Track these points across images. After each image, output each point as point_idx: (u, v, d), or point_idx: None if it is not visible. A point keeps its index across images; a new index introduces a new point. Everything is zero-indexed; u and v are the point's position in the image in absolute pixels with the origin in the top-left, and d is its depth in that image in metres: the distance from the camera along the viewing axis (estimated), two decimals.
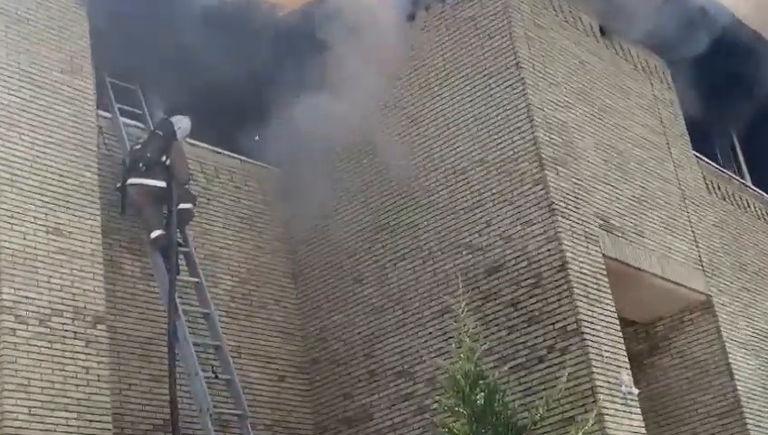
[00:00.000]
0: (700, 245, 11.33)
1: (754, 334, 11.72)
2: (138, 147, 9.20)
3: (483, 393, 6.79)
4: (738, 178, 14.39)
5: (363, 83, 10.01)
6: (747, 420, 10.21)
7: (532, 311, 8.83)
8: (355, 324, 10.05)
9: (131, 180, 8.96)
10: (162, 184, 8.95)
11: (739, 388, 10.44)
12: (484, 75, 9.86)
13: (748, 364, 10.89)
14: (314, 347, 10.34)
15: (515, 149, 9.40)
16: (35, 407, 7.08)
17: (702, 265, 11.11)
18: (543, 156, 9.26)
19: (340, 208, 10.56)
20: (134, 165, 9.00)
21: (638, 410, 8.81)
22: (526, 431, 6.86)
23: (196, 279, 9.10)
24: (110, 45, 9.24)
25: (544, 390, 8.22)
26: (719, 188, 13.17)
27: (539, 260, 8.92)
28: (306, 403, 10.11)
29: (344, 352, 10.08)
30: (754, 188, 14.62)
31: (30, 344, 7.27)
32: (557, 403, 7.86)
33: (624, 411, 8.55)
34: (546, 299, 8.78)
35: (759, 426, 10.34)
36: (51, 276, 7.63)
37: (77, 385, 7.43)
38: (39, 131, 8.13)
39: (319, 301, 10.45)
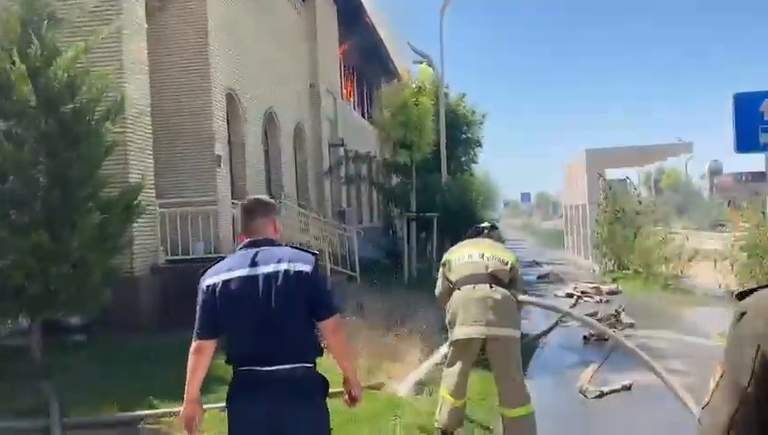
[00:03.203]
0: None
1: (226, 9, 13.07)
2: None
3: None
4: None
5: None
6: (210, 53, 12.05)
7: None
8: None
9: None
10: None
11: (208, 32, 11.94)
12: None
13: (219, 24, 12.43)
14: None
15: None
16: None
17: None
18: None
19: None
20: None
21: (144, 38, 10.05)
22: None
23: None
24: None
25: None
26: None
27: None
28: None
29: None
30: None
31: None
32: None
33: (134, 37, 9.65)
34: None
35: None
36: None
37: None
38: None
39: None
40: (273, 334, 2.68)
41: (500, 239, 5.07)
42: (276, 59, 17.22)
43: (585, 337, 8.65)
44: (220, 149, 12.39)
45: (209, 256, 10.52)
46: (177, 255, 10.30)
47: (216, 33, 12.33)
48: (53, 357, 6.87)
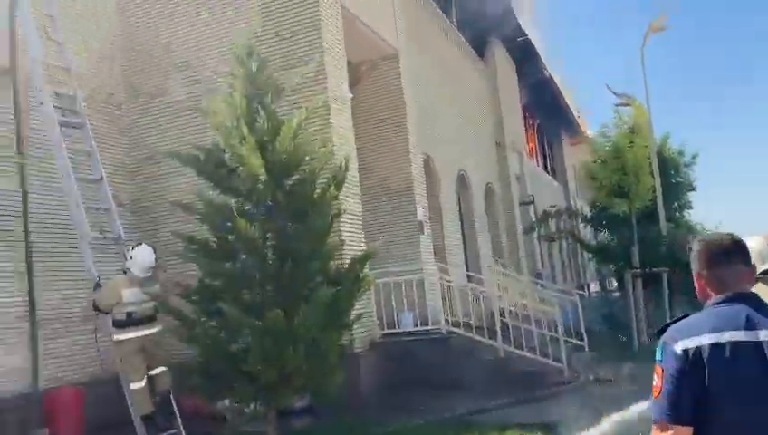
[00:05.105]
0: (397, 18, 12.22)
1: (416, 77, 12.89)
2: None
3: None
4: None
5: None
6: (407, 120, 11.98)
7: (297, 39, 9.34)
8: None
9: None
10: None
11: (404, 100, 11.99)
12: None
13: (412, 90, 12.29)
14: None
15: None
16: None
17: (396, 29, 12.10)
18: None
19: None
20: None
21: (349, 109, 9.91)
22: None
23: None
24: None
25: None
26: None
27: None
28: None
29: None
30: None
31: None
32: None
33: (341, 109, 9.55)
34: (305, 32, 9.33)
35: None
36: None
37: None
38: None
39: None
40: None
41: None
42: (463, 120, 16.88)
43: None
44: (422, 214, 11.91)
45: (426, 329, 9.79)
46: (394, 328, 9.69)
47: (410, 100, 12.16)
48: None
